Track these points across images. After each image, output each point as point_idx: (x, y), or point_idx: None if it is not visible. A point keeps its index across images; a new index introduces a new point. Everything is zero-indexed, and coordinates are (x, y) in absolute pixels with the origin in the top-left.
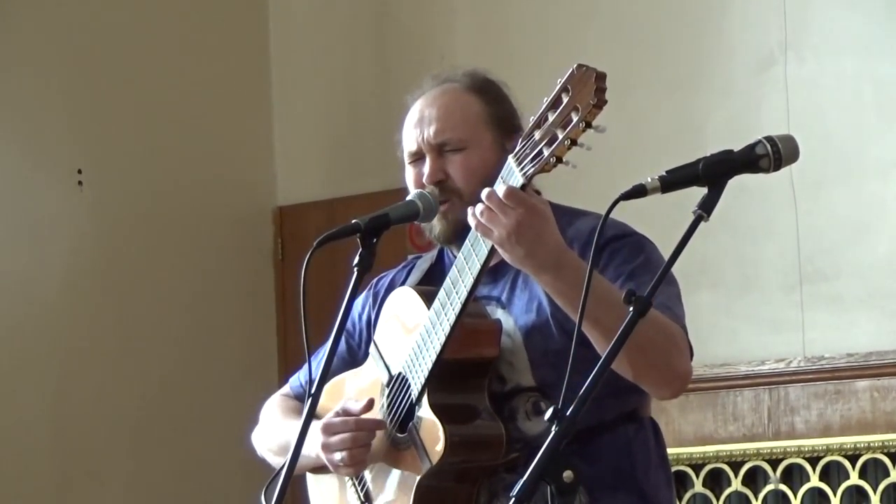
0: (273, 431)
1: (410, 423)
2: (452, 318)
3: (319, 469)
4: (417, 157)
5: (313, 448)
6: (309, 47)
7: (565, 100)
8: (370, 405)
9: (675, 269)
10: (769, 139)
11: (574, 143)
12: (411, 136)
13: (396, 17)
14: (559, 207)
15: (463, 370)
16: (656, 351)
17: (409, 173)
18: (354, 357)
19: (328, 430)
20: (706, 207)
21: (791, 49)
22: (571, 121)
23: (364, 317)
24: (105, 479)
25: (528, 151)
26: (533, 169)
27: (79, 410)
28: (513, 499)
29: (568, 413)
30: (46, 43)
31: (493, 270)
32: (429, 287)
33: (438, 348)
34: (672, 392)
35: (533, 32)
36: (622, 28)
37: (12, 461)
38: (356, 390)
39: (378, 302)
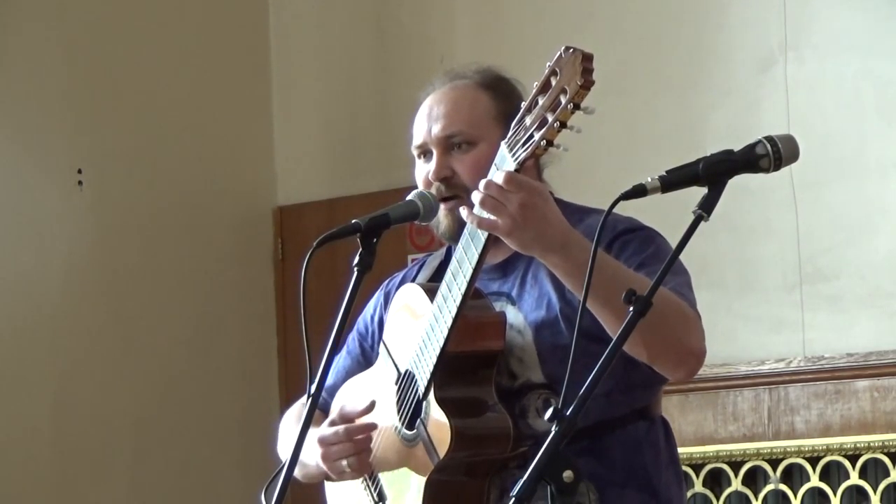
0: (287, 440)
1: (418, 419)
2: (454, 311)
3: (329, 477)
4: (424, 152)
5: (314, 458)
6: (309, 47)
7: (554, 83)
8: (371, 407)
9: None
10: (769, 139)
11: (564, 125)
12: (419, 131)
13: (396, 17)
14: (569, 205)
15: (468, 363)
16: (669, 328)
17: (417, 169)
18: (369, 359)
19: (323, 442)
20: (706, 207)
21: (791, 49)
22: (560, 103)
23: (376, 317)
24: (105, 479)
25: (519, 137)
26: (524, 154)
27: (79, 410)
28: (513, 499)
29: (568, 413)
30: (46, 43)
31: (502, 266)
32: (433, 283)
33: (441, 342)
34: (687, 371)
35: (533, 33)
36: (622, 28)
37: (13, 461)
38: (368, 391)
39: (389, 302)
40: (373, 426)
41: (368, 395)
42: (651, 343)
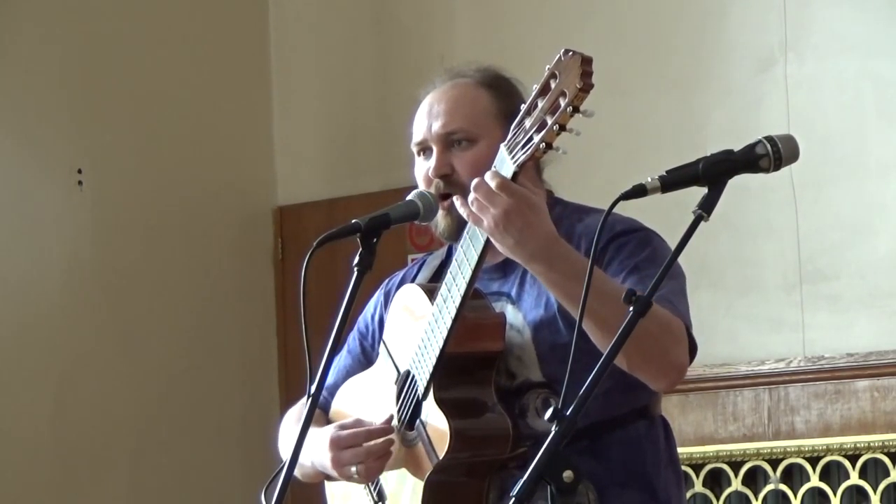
0: (288, 440)
1: (418, 420)
2: (453, 312)
3: (330, 477)
4: (424, 149)
5: (318, 459)
6: (309, 47)
7: (553, 86)
8: (389, 422)
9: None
10: (769, 139)
11: (563, 128)
12: (420, 128)
13: (396, 17)
14: (569, 204)
15: (468, 364)
16: (651, 342)
17: (417, 167)
18: (370, 358)
19: (338, 444)
20: (706, 207)
21: (791, 49)
22: (560, 106)
23: (376, 317)
24: (105, 479)
25: (519, 139)
26: (524, 156)
27: (79, 410)
28: (513, 499)
29: (568, 413)
30: (46, 42)
31: (502, 266)
32: (433, 284)
33: (441, 343)
34: (667, 383)
35: (532, 33)
36: (622, 28)
37: (13, 462)
38: (368, 390)
39: (389, 301)
40: (389, 430)
41: (369, 394)
42: (631, 353)
